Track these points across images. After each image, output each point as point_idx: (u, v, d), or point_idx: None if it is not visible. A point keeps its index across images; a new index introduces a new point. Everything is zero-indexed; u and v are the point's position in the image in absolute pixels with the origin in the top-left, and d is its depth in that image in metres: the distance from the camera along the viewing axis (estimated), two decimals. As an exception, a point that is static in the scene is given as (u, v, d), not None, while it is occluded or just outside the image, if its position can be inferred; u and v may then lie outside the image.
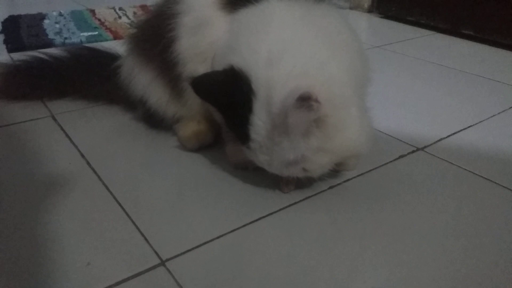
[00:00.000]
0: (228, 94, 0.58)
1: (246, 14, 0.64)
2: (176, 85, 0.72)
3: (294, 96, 0.51)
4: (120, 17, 1.56)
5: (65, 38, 1.32)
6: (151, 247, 0.56)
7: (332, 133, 0.57)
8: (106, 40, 1.34)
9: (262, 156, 0.59)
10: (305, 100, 0.51)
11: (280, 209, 0.64)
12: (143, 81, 0.76)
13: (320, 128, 0.56)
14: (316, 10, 0.64)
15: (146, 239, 0.58)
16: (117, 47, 0.88)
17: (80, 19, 1.52)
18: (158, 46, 0.70)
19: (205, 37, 0.67)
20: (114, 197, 0.65)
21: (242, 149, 0.62)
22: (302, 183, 0.66)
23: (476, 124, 0.90)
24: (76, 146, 0.78)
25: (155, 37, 0.71)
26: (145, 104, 0.77)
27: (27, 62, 0.92)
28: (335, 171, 0.71)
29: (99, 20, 1.52)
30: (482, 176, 0.73)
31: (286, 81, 0.55)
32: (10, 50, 1.23)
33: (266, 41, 0.58)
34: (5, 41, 1.28)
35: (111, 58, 0.86)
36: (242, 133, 0.59)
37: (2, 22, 1.43)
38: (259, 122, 0.57)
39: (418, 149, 0.81)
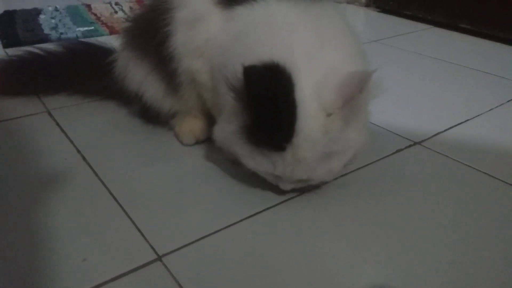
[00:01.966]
0: (272, 88, 0.54)
1: (250, 12, 0.62)
2: (172, 79, 0.71)
3: (360, 78, 0.52)
4: (116, 12, 1.55)
5: (61, 33, 1.31)
6: (148, 242, 0.56)
7: (362, 126, 0.59)
8: (102, 35, 1.33)
9: (304, 152, 0.55)
10: (368, 82, 0.53)
11: (277, 204, 0.64)
12: (138, 75, 0.75)
13: (357, 120, 0.57)
14: (317, 9, 0.63)
15: (142, 234, 0.57)
16: (113, 42, 0.88)
17: (76, 14, 1.51)
18: (153, 41, 0.70)
19: (201, 33, 0.66)
20: (110, 192, 0.65)
21: (259, 157, 0.58)
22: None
23: (473, 118, 0.90)
24: (72, 142, 0.77)
25: (150, 31, 0.71)
26: (140, 98, 0.76)
27: (22, 57, 0.92)
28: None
29: (95, 15, 1.51)
30: (479, 170, 0.73)
31: (335, 70, 0.55)
32: (5, 45, 1.22)
33: (294, 38, 0.57)
34: (1, 37, 1.27)
35: (107, 53, 0.86)
36: (284, 129, 0.54)
37: (-3, 18, 1.42)
38: (309, 113, 0.54)
39: (415, 143, 0.80)
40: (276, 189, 0.66)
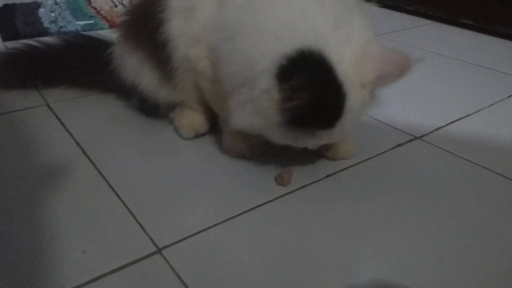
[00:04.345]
0: (316, 83, 0.53)
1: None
2: (166, 66, 0.71)
3: (398, 61, 0.54)
4: (116, 6, 1.54)
5: (61, 27, 1.30)
6: (147, 235, 0.56)
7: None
8: (102, 29, 1.33)
9: (348, 124, 0.57)
10: (408, 66, 0.54)
11: (277, 198, 0.64)
12: (133, 65, 0.75)
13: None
14: None
15: (142, 227, 0.57)
16: (112, 35, 0.87)
17: (76, 7, 1.50)
18: (146, 28, 0.69)
19: (197, 21, 0.65)
20: (110, 185, 0.65)
21: (302, 137, 0.58)
22: (299, 172, 0.65)
23: (474, 113, 0.90)
24: (71, 135, 0.77)
25: (144, 19, 0.70)
26: (137, 89, 0.76)
27: (21, 50, 0.91)
28: (333, 159, 0.71)
29: (95, 8, 1.50)
30: (479, 165, 0.73)
31: (368, 46, 0.55)
32: (5, 38, 1.21)
33: (316, 11, 0.55)
34: (0, 30, 1.26)
35: (106, 46, 0.85)
36: (335, 110, 0.55)
37: (-3, 11, 1.42)
38: (353, 89, 0.54)
39: (416, 138, 0.80)
40: (275, 184, 0.66)
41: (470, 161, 0.74)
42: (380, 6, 1.73)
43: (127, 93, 0.83)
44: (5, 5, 1.47)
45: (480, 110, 0.91)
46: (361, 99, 0.56)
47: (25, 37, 1.18)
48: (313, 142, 0.61)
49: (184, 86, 0.73)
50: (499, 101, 0.95)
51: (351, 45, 0.55)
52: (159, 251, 0.54)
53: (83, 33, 1.05)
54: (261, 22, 0.57)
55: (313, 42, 0.53)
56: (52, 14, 1.41)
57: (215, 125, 0.77)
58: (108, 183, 0.65)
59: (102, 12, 1.48)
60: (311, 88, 0.52)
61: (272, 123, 0.56)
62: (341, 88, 0.54)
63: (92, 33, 0.97)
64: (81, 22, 1.36)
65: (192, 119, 0.77)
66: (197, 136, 0.77)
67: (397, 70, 0.54)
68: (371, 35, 0.58)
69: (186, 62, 0.69)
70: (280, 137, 0.60)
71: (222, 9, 0.62)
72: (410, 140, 0.80)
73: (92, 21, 1.38)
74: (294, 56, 0.53)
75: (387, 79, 0.56)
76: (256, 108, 0.57)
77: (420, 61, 0.54)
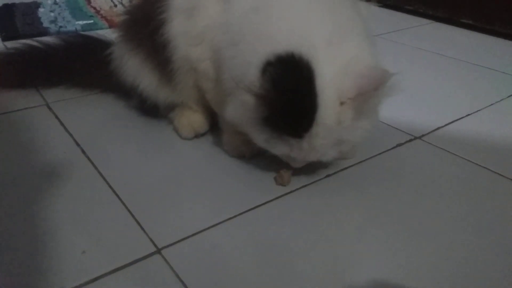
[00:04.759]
0: (292, 81, 0.54)
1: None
2: (166, 67, 0.71)
3: (381, 77, 0.53)
4: (115, 6, 1.54)
5: (60, 27, 1.30)
6: (147, 235, 0.56)
7: (374, 116, 0.60)
8: (102, 28, 1.33)
9: (320, 140, 0.56)
10: (386, 82, 0.53)
11: (277, 197, 0.64)
12: (133, 66, 0.75)
13: (373, 110, 0.58)
14: None
15: (141, 227, 0.57)
16: (112, 35, 0.87)
17: (75, 7, 1.50)
18: (147, 29, 0.69)
19: (200, 20, 0.65)
20: (109, 185, 0.65)
21: (275, 142, 0.58)
22: (298, 172, 0.65)
23: (473, 113, 0.90)
24: (71, 135, 0.77)
25: (145, 20, 0.70)
26: (137, 90, 0.76)
27: (21, 50, 0.91)
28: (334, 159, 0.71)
29: (95, 8, 1.50)
30: (479, 165, 0.73)
31: (356, 61, 0.55)
32: (4, 38, 1.21)
33: (315, 24, 0.57)
34: (0, 30, 1.26)
35: (105, 46, 0.85)
36: (303, 120, 0.55)
37: (-4, 11, 1.42)
38: (328, 103, 0.54)
39: (415, 138, 0.80)
40: (275, 184, 0.66)
41: (470, 161, 0.74)
42: (380, 6, 1.73)
43: (126, 93, 0.82)
44: (5, 5, 1.47)
45: (479, 110, 0.91)
46: (338, 116, 0.55)
47: (25, 37, 1.18)
48: (284, 149, 0.59)
49: (184, 87, 0.73)
50: (499, 101, 0.95)
51: (337, 62, 0.55)
52: (158, 251, 0.54)
53: (83, 33, 1.05)
54: (263, 30, 0.57)
55: (303, 50, 0.54)
56: (52, 14, 1.41)
57: (214, 125, 0.77)
58: (108, 183, 0.65)
59: (102, 12, 1.47)
60: (285, 85, 0.53)
61: (251, 118, 0.57)
62: (314, 98, 0.54)
63: (92, 33, 0.97)
64: (81, 22, 1.36)
65: (192, 119, 0.77)
66: (197, 136, 0.77)
67: (374, 85, 0.53)
68: (364, 53, 0.57)
69: (187, 62, 0.69)
70: (257, 136, 0.60)
71: (227, 12, 0.62)
72: (410, 140, 0.80)
73: (92, 21, 1.37)
74: (282, 55, 0.54)
75: (367, 96, 0.54)
76: (242, 100, 0.58)
77: (398, 74, 0.53)
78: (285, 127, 0.56)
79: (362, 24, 0.62)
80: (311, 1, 0.59)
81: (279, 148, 0.59)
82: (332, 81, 0.54)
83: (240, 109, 0.59)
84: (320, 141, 0.56)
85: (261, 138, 0.59)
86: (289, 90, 0.53)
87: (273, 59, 0.54)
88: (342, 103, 0.55)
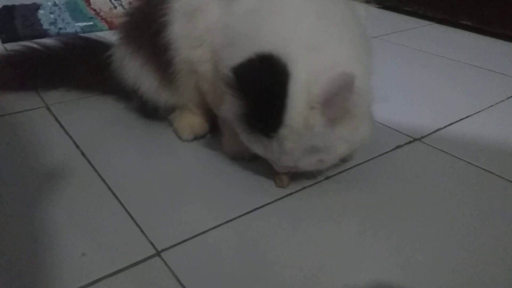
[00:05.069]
0: (265, 80, 0.56)
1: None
2: (167, 70, 0.71)
3: (344, 81, 0.52)
4: (115, 7, 1.54)
5: (60, 29, 1.30)
6: (146, 237, 0.56)
7: (357, 124, 0.59)
8: (102, 30, 1.33)
9: (289, 144, 0.56)
10: (351, 86, 0.52)
11: (277, 200, 0.64)
12: (134, 68, 0.75)
13: (349, 118, 0.57)
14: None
15: (141, 229, 0.57)
16: (112, 37, 0.87)
17: (75, 9, 1.50)
18: (148, 32, 0.70)
19: (201, 22, 0.66)
20: (109, 188, 0.65)
21: (253, 140, 0.59)
22: (297, 175, 0.65)
23: (473, 114, 0.90)
24: (71, 137, 0.77)
25: (146, 23, 0.70)
26: (137, 92, 0.76)
27: (21, 52, 0.91)
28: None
29: (94, 10, 1.50)
30: (479, 167, 0.73)
31: (332, 66, 0.55)
32: (4, 40, 1.21)
33: (300, 28, 0.57)
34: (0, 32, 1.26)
35: (106, 47, 0.85)
36: (271, 120, 0.56)
37: (-4, 13, 1.42)
38: (297, 106, 0.55)
39: (415, 140, 0.80)
40: (274, 186, 0.66)
41: (470, 163, 0.74)
42: (379, 7, 1.73)
43: (126, 95, 0.83)
44: (5, 7, 1.47)
45: (479, 111, 0.91)
46: (306, 121, 0.55)
47: (25, 38, 1.18)
48: (260, 149, 0.59)
49: (185, 89, 0.73)
50: (499, 102, 0.95)
51: (315, 67, 0.55)
52: (158, 253, 0.54)
53: (83, 34, 1.05)
54: (254, 31, 0.59)
55: (283, 53, 0.55)
56: (52, 16, 1.41)
57: (214, 127, 0.77)
58: (108, 185, 0.65)
59: (102, 13, 1.48)
60: (256, 80, 0.55)
61: (234, 114, 0.59)
62: (284, 100, 0.54)
63: (92, 35, 0.98)
64: (81, 24, 1.36)
65: (192, 121, 0.77)
66: (197, 138, 0.77)
67: (337, 91, 0.53)
68: (345, 59, 0.57)
69: (188, 64, 0.69)
70: (240, 134, 0.61)
71: (227, 15, 0.63)
72: (410, 142, 0.80)
73: (92, 23, 1.38)
74: (263, 54, 0.55)
75: (336, 102, 0.54)
76: (228, 98, 0.59)
77: (355, 76, 0.53)
78: (256, 125, 0.57)
79: (354, 28, 0.63)
80: (302, 5, 0.60)
81: (256, 147, 0.60)
82: (305, 86, 0.54)
83: (227, 104, 0.61)
84: (289, 144, 0.56)
85: (243, 136, 0.60)
86: (257, 89, 0.55)
87: (254, 57, 0.55)
88: (312, 108, 0.55)
